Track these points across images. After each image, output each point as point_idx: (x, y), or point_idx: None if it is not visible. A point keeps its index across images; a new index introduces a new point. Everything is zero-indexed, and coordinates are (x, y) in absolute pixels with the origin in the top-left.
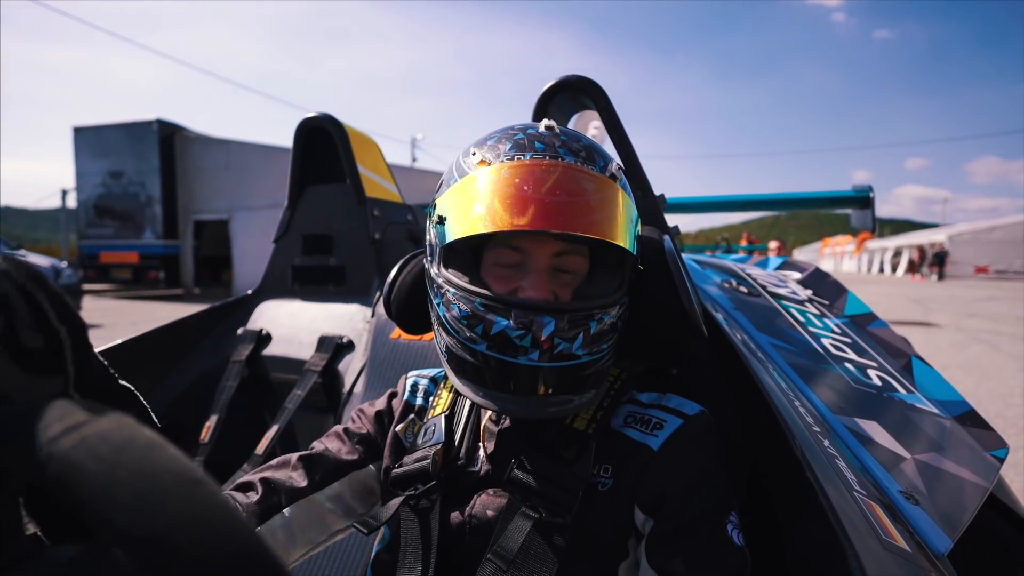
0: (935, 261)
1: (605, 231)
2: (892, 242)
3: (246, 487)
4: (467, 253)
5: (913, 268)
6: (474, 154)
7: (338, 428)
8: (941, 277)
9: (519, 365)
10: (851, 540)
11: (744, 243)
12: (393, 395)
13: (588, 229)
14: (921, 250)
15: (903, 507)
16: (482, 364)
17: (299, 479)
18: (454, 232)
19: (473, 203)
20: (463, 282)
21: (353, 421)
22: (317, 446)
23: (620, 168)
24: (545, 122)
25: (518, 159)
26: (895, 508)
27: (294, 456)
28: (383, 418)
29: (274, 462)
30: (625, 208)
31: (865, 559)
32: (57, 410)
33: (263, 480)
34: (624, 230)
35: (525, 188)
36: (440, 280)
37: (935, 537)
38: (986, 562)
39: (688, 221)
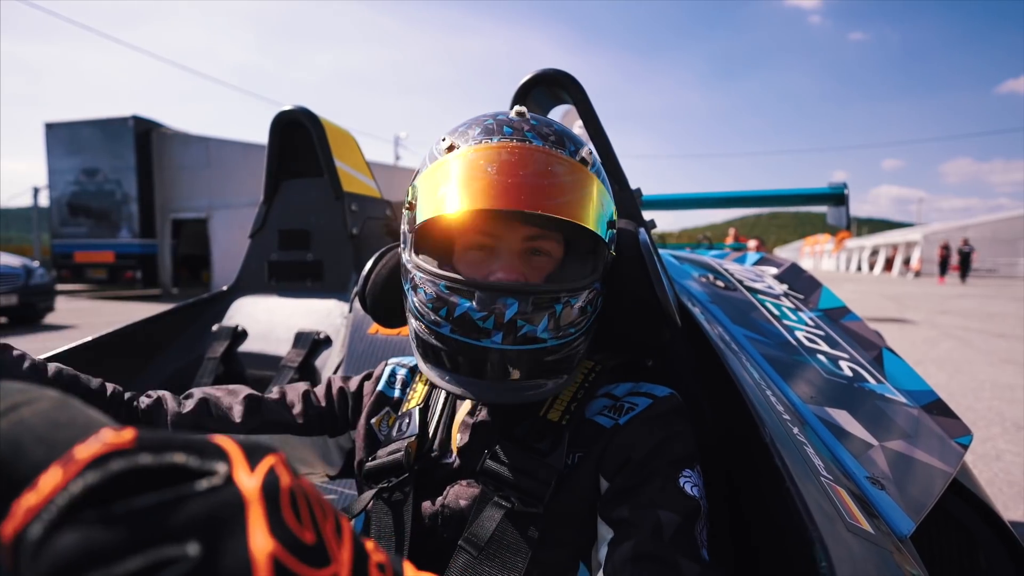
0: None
1: (574, 212)
2: (870, 241)
3: (187, 397)
4: (439, 239)
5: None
6: (444, 140)
7: (301, 387)
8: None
9: (483, 348)
10: (816, 522)
11: (730, 241)
12: (368, 377)
13: (556, 210)
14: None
15: (869, 492)
16: (447, 348)
17: (236, 415)
18: (422, 214)
19: (440, 186)
20: (430, 265)
21: (321, 386)
22: (275, 393)
23: (591, 154)
24: (516, 108)
25: (485, 143)
26: (861, 493)
27: (245, 391)
28: (346, 396)
29: (232, 387)
30: (598, 194)
31: (829, 540)
32: None
33: (204, 400)
34: (595, 215)
35: (490, 169)
36: (410, 266)
37: (898, 520)
38: (948, 543)
39: (671, 220)
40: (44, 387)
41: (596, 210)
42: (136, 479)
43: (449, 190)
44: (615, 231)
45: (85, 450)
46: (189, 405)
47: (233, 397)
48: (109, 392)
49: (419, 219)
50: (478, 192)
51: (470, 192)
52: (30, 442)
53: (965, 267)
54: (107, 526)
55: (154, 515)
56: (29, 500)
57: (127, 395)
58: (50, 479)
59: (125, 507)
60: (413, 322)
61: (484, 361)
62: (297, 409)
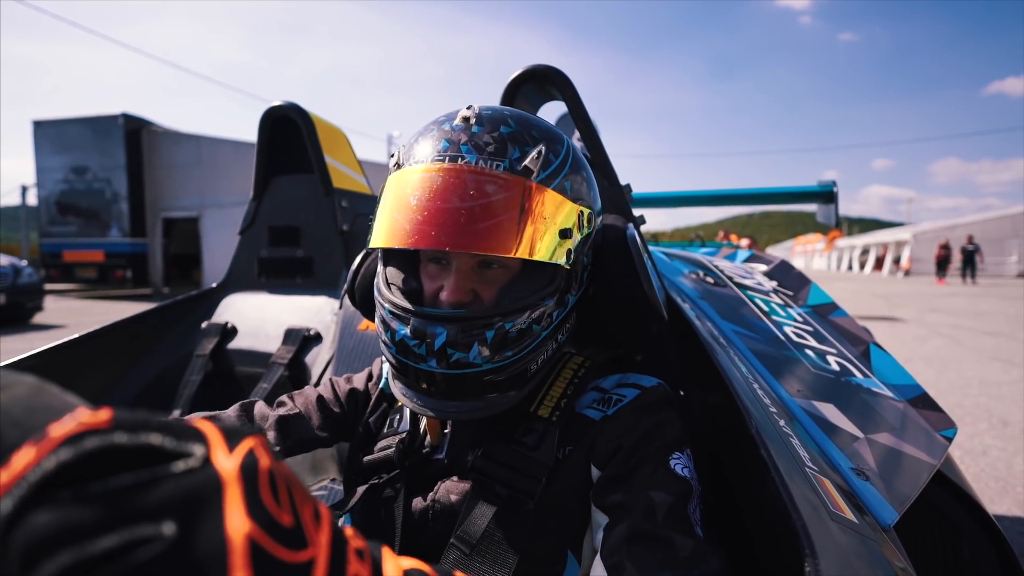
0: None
1: (491, 242)
2: (860, 240)
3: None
4: (406, 250)
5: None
6: (392, 155)
7: (312, 395)
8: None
9: (420, 371)
10: (800, 511)
11: (726, 240)
12: (371, 376)
13: (470, 243)
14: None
15: (854, 483)
16: (397, 366)
17: (273, 443)
18: (371, 240)
19: (380, 210)
20: (384, 285)
21: (329, 391)
22: (289, 405)
23: (542, 156)
24: (463, 112)
25: (417, 164)
26: (846, 484)
27: (272, 415)
28: (357, 398)
29: (257, 412)
30: (541, 206)
31: (813, 529)
32: None
33: None
34: (528, 231)
35: (413, 201)
36: (377, 279)
37: (883, 510)
38: (932, 534)
39: (664, 220)
40: (22, 373)
41: (533, 226)
42: (111, 460)
43: (381, 218)
44: (584, 233)
45: (59, 428)
46: None
47: (263, 422)
48: None
49: (369, 243)
50: (397, 228)
51: (392, 227)
52: (5, 426)
53: (969, 267)
54: (82, 505)
55: (130, 494)
56: (0, 477)
57: None
58: (23, 457)
59: (101, 486)
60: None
61: (424, 381)
62: (316, 421)
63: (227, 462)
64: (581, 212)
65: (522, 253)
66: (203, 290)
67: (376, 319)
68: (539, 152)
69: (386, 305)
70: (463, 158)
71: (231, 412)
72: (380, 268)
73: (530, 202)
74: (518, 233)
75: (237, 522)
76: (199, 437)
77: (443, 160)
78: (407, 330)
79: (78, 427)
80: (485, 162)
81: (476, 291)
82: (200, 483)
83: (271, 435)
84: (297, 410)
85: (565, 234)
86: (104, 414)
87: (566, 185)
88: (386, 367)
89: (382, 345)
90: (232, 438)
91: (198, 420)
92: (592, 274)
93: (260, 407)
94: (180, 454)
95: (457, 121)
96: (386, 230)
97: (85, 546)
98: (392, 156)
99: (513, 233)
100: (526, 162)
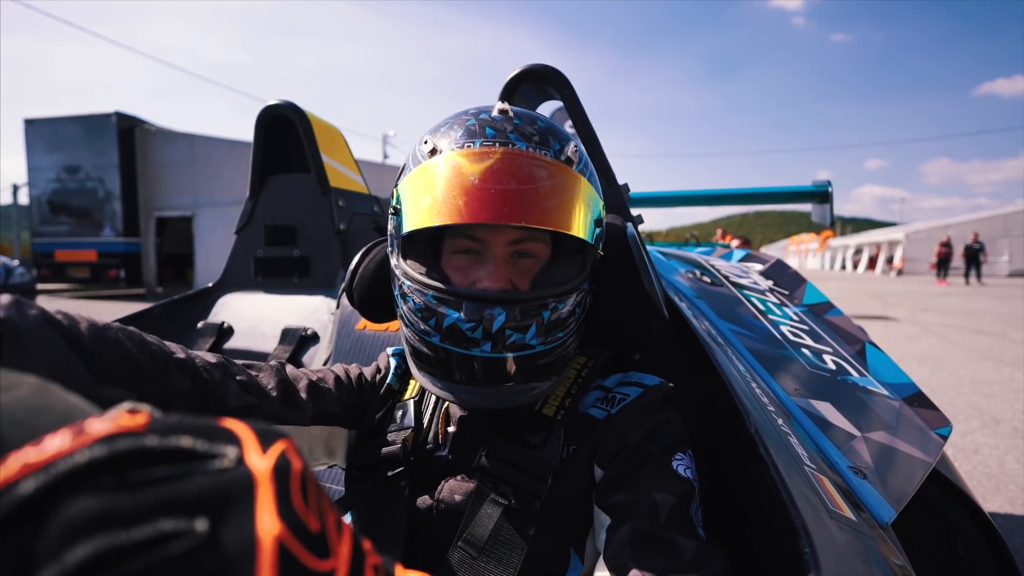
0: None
1: (558, 220)
2: (854, 240)
3: (250, 368)
4: (426, 243)
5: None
6: (426, 142)
7: (311, 377)
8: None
9: (473, 357)
10: (799, 510)
11: (723, 240)
12: (378, 370)
13: (541, 219)
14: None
15: (851, 481)
16: (438, 356)
17: (303, 400)
18: (408, 223)
19: (424, 194)
20: (418, 274)
21: (344, 374)
22: (321, 374)
23: (577, 150)
24: (499, 105)
25: (468, 147)
26: (844, 482)
27: (305, 378)
28: (364, 387)
29: (290, 372)
30: (583, 194)
31: (812, 527)
32: None
33: (282, 382)
34: (580, 217)
35: (473, 179)
36: (398, 272)
37: (880, 508)
38: (928, 531)
39: (659, 220)
40: (24, 373)
41: (581, 212)
42: (141, 462)
43: (433, 200)
44: (603, 228)
45: (99, 425)
46: (270, 383)
47: (297, 382)
48: (178, 357)
49: (405, 228)
50: (463, 204)
51: (454, 204)
52: (8, 427)
53: (973, 267)
54: (122, 492)
55: (167, 487)
56: (28, 455)
57: (197, 361)
58: (56, 443)
59: (140, 476)
60: (404, 329)
61: (474, 368)
62: (339, 398)
63: (260, 462)
64: (603, 206)
65: (580, 231)
66: (199, 290)
67: (405, 312)
68: (575, 147)
69: (428, 291)
70: (513, 144)
71: (267, 365)
72: (398, 262)
73: (576, 189)
74: (575, 215)
75: (268, 523)
76: (232, 438)
77: (493, 144)
78: (460, 314)
79: (115, 428)
80: (535, 149)
81: (512, 279)
82: (233, 481)
83: (303, 396)
84: (327, 385)
85: (598, 223)
86: (142, 417)
87: (592, 181)
88: (392, 362)
89: (416, 337)
90: (265, 439)
91: (231, 421)
92: (592, 274)
93: (292, 369)
94: (212, 455)
95: (495, 113)
96: (450, 208)
97: (121, 533)
98: (425, 143)
99: (572, 214)
100: (567, 153)
